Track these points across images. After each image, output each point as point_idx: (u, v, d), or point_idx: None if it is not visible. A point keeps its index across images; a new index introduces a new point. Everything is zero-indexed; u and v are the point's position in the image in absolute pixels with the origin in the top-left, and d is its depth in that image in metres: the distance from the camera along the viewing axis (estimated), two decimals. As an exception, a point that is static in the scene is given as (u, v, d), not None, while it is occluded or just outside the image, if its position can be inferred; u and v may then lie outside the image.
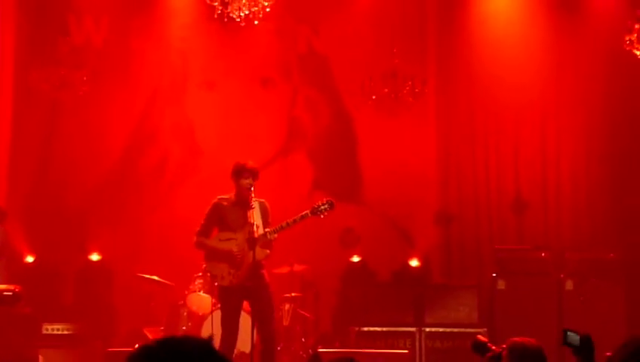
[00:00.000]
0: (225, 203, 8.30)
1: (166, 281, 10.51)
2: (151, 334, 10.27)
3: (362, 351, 9.18)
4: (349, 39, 12.35)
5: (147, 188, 12.10)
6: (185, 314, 10.37)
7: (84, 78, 11.18)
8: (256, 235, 7.98)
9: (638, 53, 9.19)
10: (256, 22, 9.89)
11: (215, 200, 8.38)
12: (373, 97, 11.22)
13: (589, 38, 12.00)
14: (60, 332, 10.48)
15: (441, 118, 12.34)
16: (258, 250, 8.00)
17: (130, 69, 12.25)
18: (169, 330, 10.16)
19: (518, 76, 12.10)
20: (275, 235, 8.06)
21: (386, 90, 11.20)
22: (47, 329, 10.48)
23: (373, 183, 12.25)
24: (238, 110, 12.30)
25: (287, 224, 8.04)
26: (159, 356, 1.77)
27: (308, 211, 8.05)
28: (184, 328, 10.22)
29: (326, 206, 8.06)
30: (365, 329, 10.34)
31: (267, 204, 8.34)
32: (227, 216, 8.27)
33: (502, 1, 12.37)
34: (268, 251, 8.18)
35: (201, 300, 10.16)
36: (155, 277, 10.46)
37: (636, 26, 9.09)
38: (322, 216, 8.08)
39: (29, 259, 11.46)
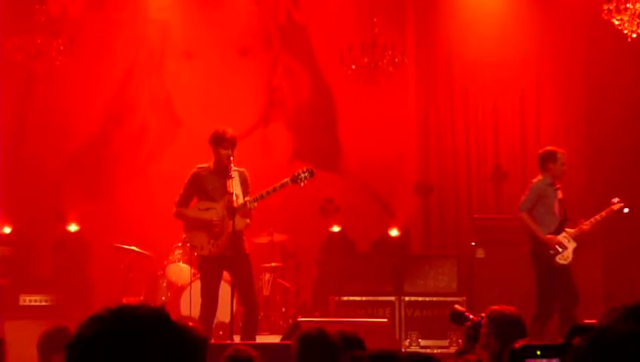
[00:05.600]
0: (204, 172, 8.26)
1: (145, 251, 10.48)
2: (130, 305, 10.24)
3: (342, 320, 9.20)
4: (329, 9, 12.28)
5: (125, 159, 12.03)
6: (164, 284, 10.37)
7: (61, 48, 11.03)
8: (235, 205, 7.95)
9: (616, 22, 9.17)
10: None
11: (194, 169, 8.34)
12: (353, 67, 11.17)
13: (569, 8, 11.99)
14: (37, 304, 10.44)
15: (421, 87, 12.33)
16: (238, 219, 7.97)
17: (108, 38, 12.12)
18: (148, 301, 10.14)
19: (499, 47, 12.09)
20: (255, 204, 8.05)
21: (366, 59, 11.15)
22: (24, 301, 10.43)
23: (353, 153, 12.24)
24: (218, 80, 12.21)
25: (267, 192, 8.02)
26: (110, 324, 1.74)
27: (288, 179, 8.04)
28: (163, 298, 10.22)
29: (306, 174, 8.04)
30: (345, 298, 10.38)
31: (247, 174, 8.31)
32: (206, 186, 8.23)
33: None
34: (248, 220, 8.16)
35: (180, 270, 10.15)
36: (134, 248, 10.43)
37: (615, -5, 9.08)
38: (302, 184, 8.07)
39: (6, 229, 11.36)
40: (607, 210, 9.00)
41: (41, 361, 4.88)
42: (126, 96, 12.21)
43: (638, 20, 9.17)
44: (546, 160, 8.93)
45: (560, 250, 8.78)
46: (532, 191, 8.95)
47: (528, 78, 12.24)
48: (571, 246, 8.84)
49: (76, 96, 11.88)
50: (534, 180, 9.04)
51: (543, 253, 8.80)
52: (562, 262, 8.81)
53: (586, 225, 8.95)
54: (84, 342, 1.75)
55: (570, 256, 8.82)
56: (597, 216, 8.99)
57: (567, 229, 8.90)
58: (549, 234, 8.82)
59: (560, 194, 8.99)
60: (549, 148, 9.21)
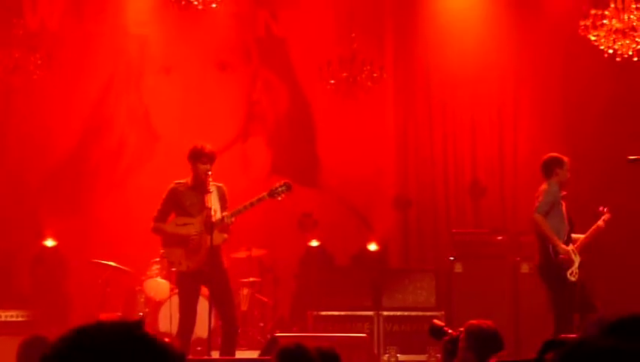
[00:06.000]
0: (181, 188, 8.25)
1: (123, 267, 10.43)
2: (108, 320, 10.17)
3: (320, 335, 9.18)
4: (308, 23, 12.31)
5: (104, 174, 11.98)
6: (142, 299, 10.32)
7: (39, 62, 11.00)
8: (213, 219, 7.95)
9: (592, 38, 9.26)
10: (214, 5, 9.81)
11: (172, 185, 8.33)
12: (332, 82, 11.20)
13: (547, 24, 12.09)
14: (14, 319, 10.36)
15: (400, 103, 12.37)
16: (216, 234, 7.97)
17: (86, 53, 12.09)
18: (126, 316, 10.09)
19: (477, 62, 12.16)
20: (233, 219, 8.04)
21: (345, 74, 11.19)
22: (0, 316, 10.35)
23: (331, 167, 12.25)
24: (197, 94, 12.20)
25: (245, 207, 8.03)
26: (87, 339, 1.74)
27: (265, 193, 8.06)
28: (141, 314, 10.16)
29: (283, 188, 8.06)
30: (323, 313, 10.36)
31: (225, 189, 8.31)
32: (184, 201, 8.22)
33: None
34: (225, 235, 8.16)
35: (158, 286, 10.11)
36: (112, 263, 10.38)
37: (592, 11, 9.16)
38: (279, 198, 8.08)
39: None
40: (604, 218, 8.80)
41: None
42: (104, 111, 12.17)
43: (614, 36, 9.26)
44: (553, 165, 8.65)
45: (569, 265, 8.47)
46: (548, 195, 8.61)
47: (506, 93, 12.31)
48: (577, 260, 8.50)
49: (54, 111, 11.83)
50: (544, 186, 8.68)
51: (552, 267, 8.50)
52: (572, 279, 8.46)
53: (586, 238, 8.70)
54: (59, 356, 1.74)
55: (577, 272, 8.47)
56: (595, 227, 8.75)
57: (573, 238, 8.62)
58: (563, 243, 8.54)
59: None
60: (552, 154, 8.86)
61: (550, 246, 8.54)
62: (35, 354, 4.52)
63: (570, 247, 8.58)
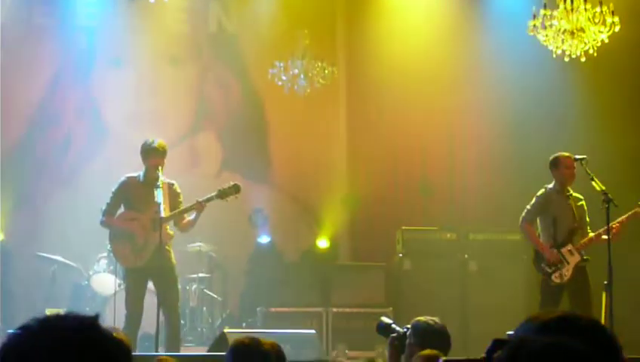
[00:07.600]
0: (132, 182, 8.21)
1: (69, 261, 10.31)
2: (54, 315, 10.04)
3: (269, 332, 9.16)
4: (260, 19, 12.27)
5: (50, 167, 11.79)
6: (89, 294, 10.21)
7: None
8: (161, 215, 7.89)
9: (541, 38, 9.35)
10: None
11: (122, 178, 8.30)
12: (284, 78, 11.19)
13: (496, 24, 12.18)
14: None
15: (351, 100, 12.40)
16: (162, 231, 7.92)
17: (34, 46, 11.90)
18: (72, 311, 9.96)
19: (427, 60, 12.21)
20: (180, 217, 8.04)
21: (296, 70, 11.20)
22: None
23: (282, 164, 12.24)
24: (147, 89, 12.10)
25: (192, 207, 8.03)
26: (39, 336, 1.69)
27: (214, 194, 8.04)
28: (88, 309, 10.05)
29: (232, 190, 8.06)
30: (273, 309, 10.35)
31: (177, 186, 8.27)
32: (133, 196, 8.18)
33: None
34: (172, 232, 8.12)
35: (105, 281, 10.01)
36: (58, 257, 10.25)
37: (541, 12, 9.24)
38: (227, 200, 8.08)
39: None
40: (632, 213, 8.22)
41: None
42: (52, 104, 11.98)
43: (562, 37, 9.36)
44: (551, 167, 8.48)
45: (558, 266, 8.23)
46: (533, 203, 8.53)
47: (456, 91, 12.37)
48: (573, 261, 8.23)
49: (1, 103, 11.62)
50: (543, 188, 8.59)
51: (538, 268, 8.39)
52: (557, 281, 8.22)
53: (595, 235, 8.27)
54: (10, 355, 1.69)
55: (569, 273, 8.19)
56: (620, 220, 8.18)
57: (574, 241, 8.30)
58: (554, 246, 8.32)
59: (575, 201, 8.42)
60: (555, 154, 8.54)
61: (535, 252, 8.48)
62: None
63: (568, 247, 8.31)
